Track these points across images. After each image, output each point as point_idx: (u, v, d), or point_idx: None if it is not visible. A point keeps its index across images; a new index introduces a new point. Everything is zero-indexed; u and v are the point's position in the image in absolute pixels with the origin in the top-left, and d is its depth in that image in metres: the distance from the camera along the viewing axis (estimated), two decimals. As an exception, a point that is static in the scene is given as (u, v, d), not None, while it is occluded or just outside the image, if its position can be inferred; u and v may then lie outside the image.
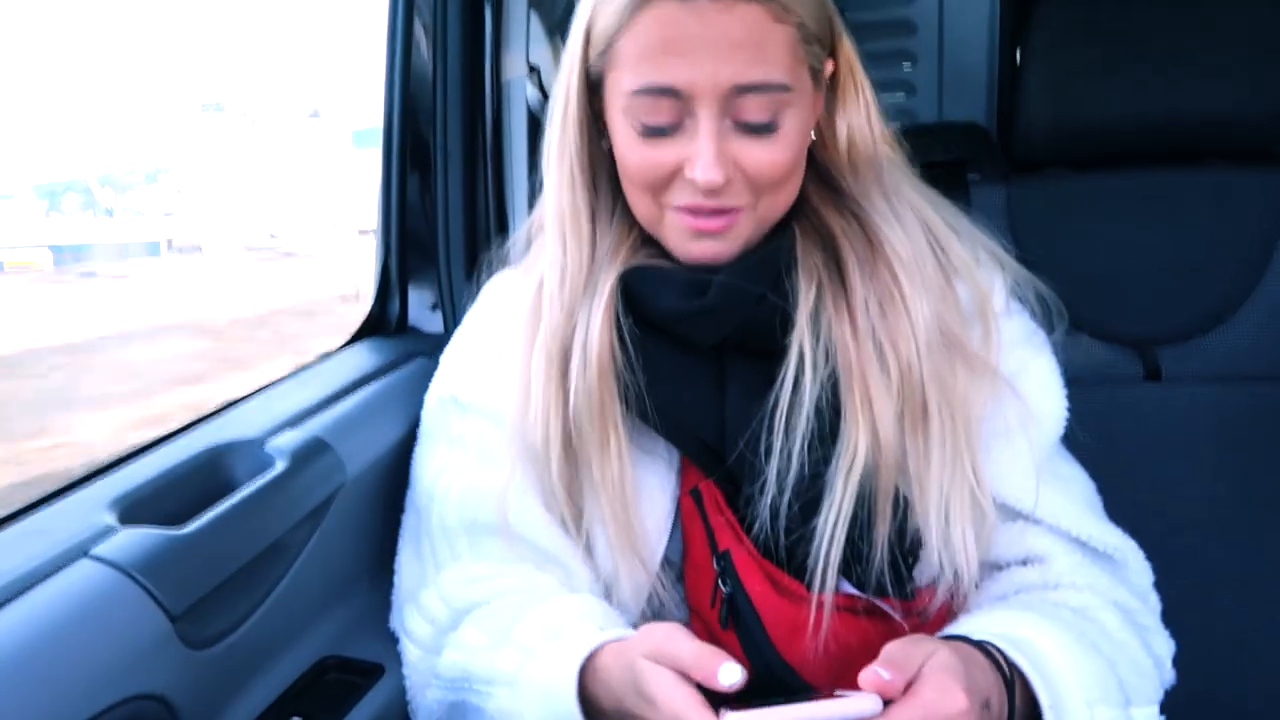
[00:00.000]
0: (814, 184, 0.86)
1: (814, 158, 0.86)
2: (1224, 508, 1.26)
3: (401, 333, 1.35)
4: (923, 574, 0.84)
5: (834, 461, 0.79)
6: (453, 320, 1.34)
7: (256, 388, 1.10)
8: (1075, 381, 1.23)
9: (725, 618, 0.82)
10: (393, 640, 0.96)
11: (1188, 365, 1.26)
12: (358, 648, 0.95)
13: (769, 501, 0.79)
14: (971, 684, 0.67)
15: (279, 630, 0.87)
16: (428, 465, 0.95)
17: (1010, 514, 0.86)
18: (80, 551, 0.72)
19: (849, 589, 0.82)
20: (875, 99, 0.86)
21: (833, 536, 0.78)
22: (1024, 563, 0.87)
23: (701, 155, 0.76)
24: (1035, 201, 1.32)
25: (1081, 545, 0.87)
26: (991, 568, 0.88)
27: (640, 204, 0.83)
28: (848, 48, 0.84)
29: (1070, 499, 0.88)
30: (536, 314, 0.86)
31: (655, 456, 0.86)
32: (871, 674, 0.64)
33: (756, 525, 0.80)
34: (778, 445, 0.79)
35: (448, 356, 0.98)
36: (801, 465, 0.79)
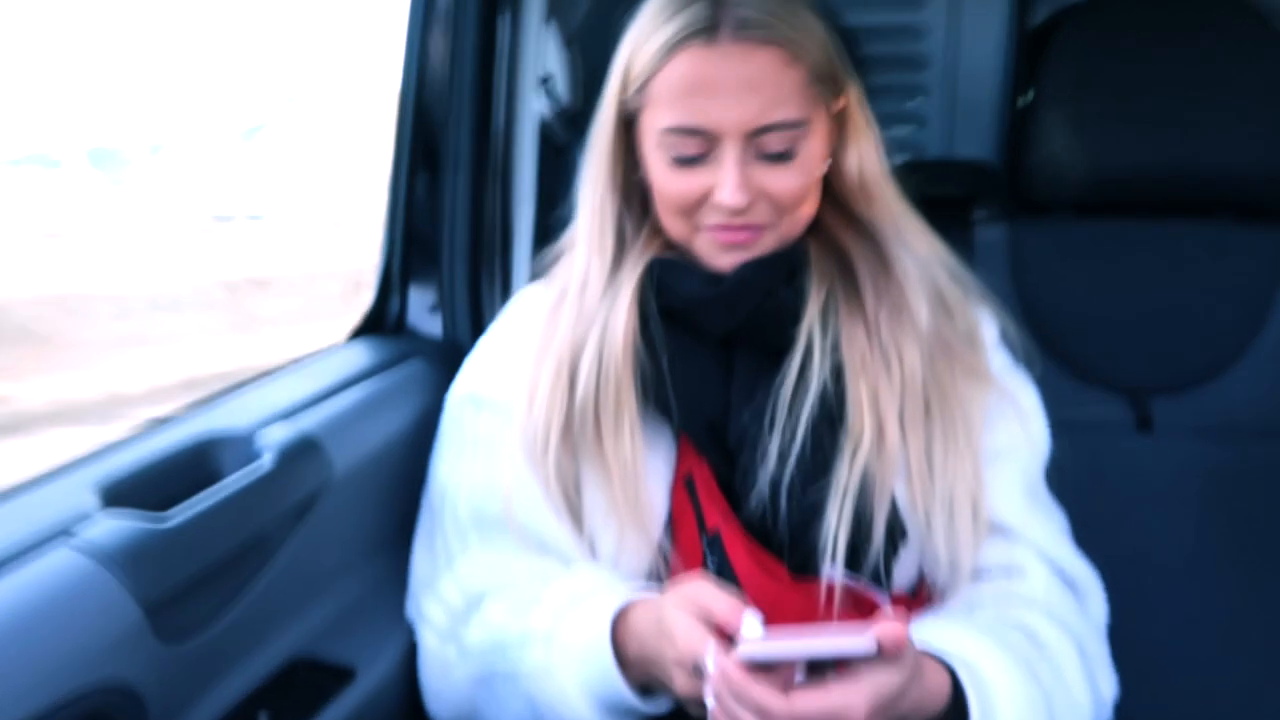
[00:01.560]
0: (828, 208, 0.94)
1: (829, 185, 0.93)
2: (1206, 560, 1.26)
3: (399, 333, 1.35)
4: (902, 570, 0.89)
5: (839, 446, 0.86)
6: (451, 324, 1.34)
7: (250, 378, 1.10)
8: (1065, 425, 1.23)
9: None
10: (365, 642, 0.96)
11: (1179, 416, 1.26)
12: (332, 649, 0.95)
13: (769, 475, 0.85)
14: (888, 706, 0.70)
15: (253, 627, 0.86)
16: (443, 462, 1.01)
17: (998, 529, 0.92)
18: (60, 535, 0.72)
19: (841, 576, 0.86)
20: (879, 134, 0.94)
21: (840, 516, 0.84)
22: (1006, 574, 0.91)
23: (727, 182, 0.85)
24: (1038, 243, 1.33)
25: (1058, 570, 0.92)
26: (974, 573, 0.91)
27: (674, 226, 0.91)
28: (854, 86, 0.92)
29: (1051, 523, 0.94)
30: (553, 322, 0.94)
31: (655, 446, 0.91)
32: (892, 626, 0.68)
33: (754, 499, 0.86)
34: (781, 421, 0.86)
35: (471, 360, 1.05)
36: (804, 441, 0.85)
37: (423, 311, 1.36)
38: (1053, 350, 1.29)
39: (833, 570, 0.85)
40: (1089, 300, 1.30)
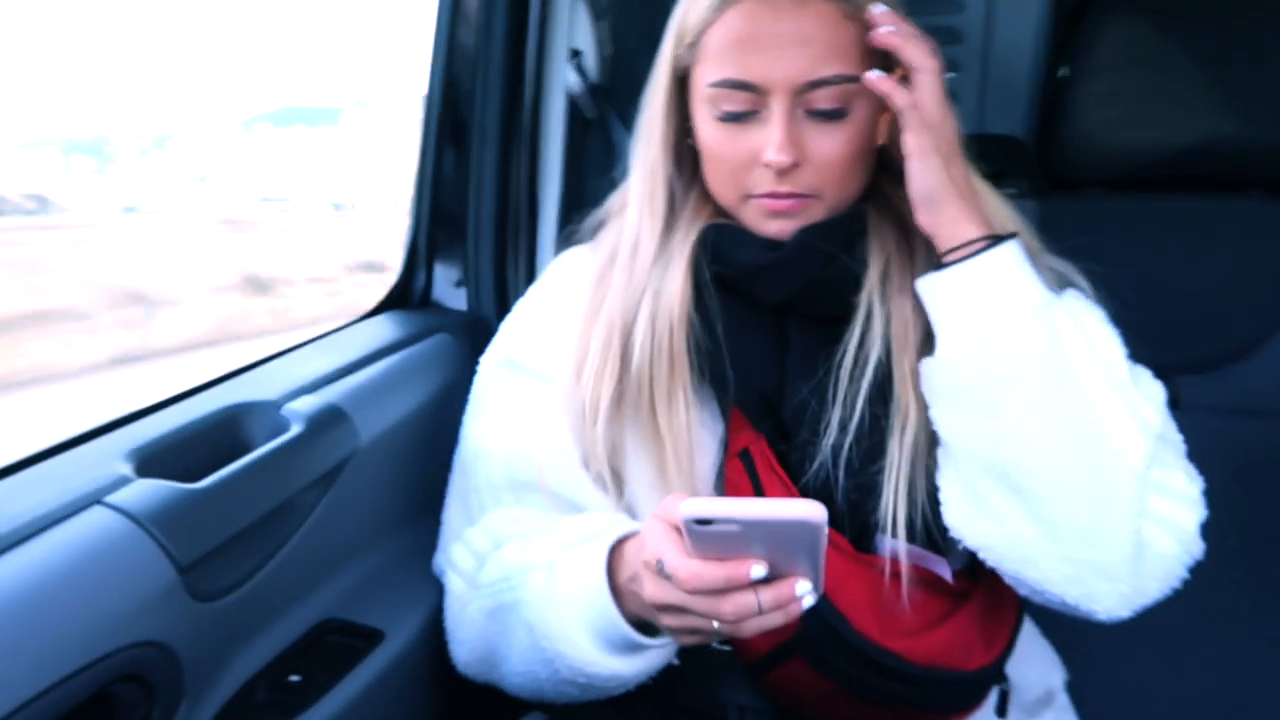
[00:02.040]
0: (888, 179, 0.90)
1: (890, 157, 0.89)
2: (1232, 541, 1.24)
3: (425, 307, 1.36)
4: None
5: (889, 424, 0.84)
6: (476, 299, 1.35)
7: (277, 351, 1.11)
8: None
9: None
10: (393, 606, 0.98)
11: (1207, 396, 1.25)
12: (360, 612, 0.96)
13: (830, 443, 0.84)
14: None
15: (283, 589, 0.88)
16: (475, 425, 1.00)
17: None
18: (94, 499, 0.74)
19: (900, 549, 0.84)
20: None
21: (896, 493, 0.83)
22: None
23: (773, 139, 0.82)
24: (1068, 219, 1.31)
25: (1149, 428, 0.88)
26: None
27: (723, 191, 0.88)
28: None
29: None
30: (603, 283, 0.92)
31: (703, 416, 0.89)
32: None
33: (815, 468, 0.84)
34: (843, 393, 0.84)
35: (507, 324, 1.03)
36: (863, 412, 0.84)
37: (448, 286, 1.37)
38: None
39: (894, 544, 0.84)
40: (1119, 277, 1.28)
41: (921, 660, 0.84)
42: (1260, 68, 1.22)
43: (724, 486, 0.88)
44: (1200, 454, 1.26)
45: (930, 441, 0.84)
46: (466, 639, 0.93)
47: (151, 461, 0.82)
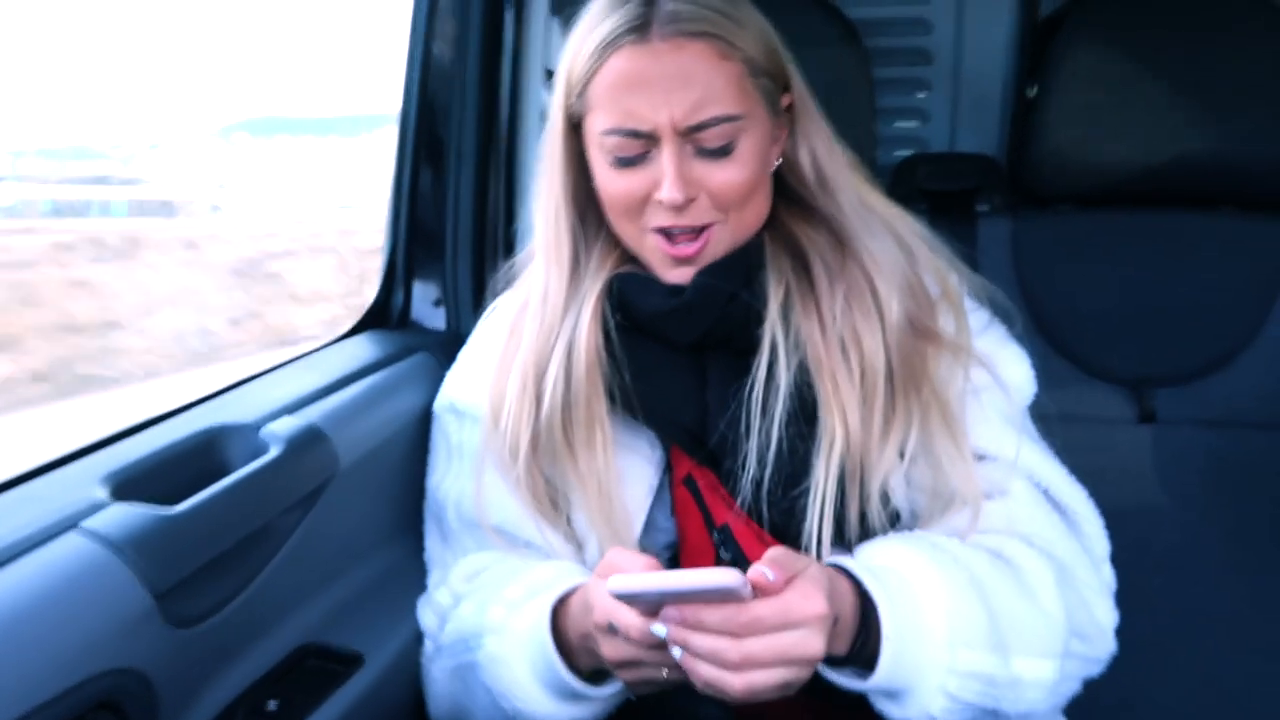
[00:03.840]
0: (784, 205, 0.94)
1: (784, 181, 0.93)
2: (1208, 550, 1.26)
3: (403, 327, 1.36)
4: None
5: (815, 446, 0.86)
6: (455, 318, 1.35)
7: (255, 372, 1.10)
8: (1067, 418, 1.22)
9: None
10: (373, 630, 0.98)
11: (1182, 409, 1.26)
12: (339, 636, 0.95)
13: (750, 476, 0.86)
14: (832, 597, 0.73)
15: (261, 614, 0.87)
16: (434, 472, 1.04)
17: (978, 455, 0.91)
18: (70, 524, 0.73)
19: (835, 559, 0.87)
20: (829, 126, 0.94)
21: (822, 514, 0.85)
22: (986, 496, 0.90)
23: (666, 178, 0.84)
24: (1041, 236, 1.33)
25: (1044, 492, 0.92)
26: (958, 502, 0.90)
27: (624, 230, 0.91)
28: (799, 82, 0.92)
29: (1039, 452, 0.94)
30: (516, 334, 0.95)
31: (636, 450, 0.92)
32: (758, 573, 0.70)
33: (740, 500, 0.88)
34: (756, 424, 0.86)
35: (454, 368, 1.06)
36: (780, 441, 0.86)
37: (427, 305, 1.37)
38: (1055, 343, 1.30)
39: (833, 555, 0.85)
40: (1092, 293, 1.30)
41: None
42: (1228, 84, 1.24)
43: (669, 511, 0.92)
44: (1177, 466, 1.29)
45: (863, 460, 0.86)
46: (437, 694, 0.97)
47: (128, 485, 0.80)
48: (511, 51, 1.39)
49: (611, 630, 0.74)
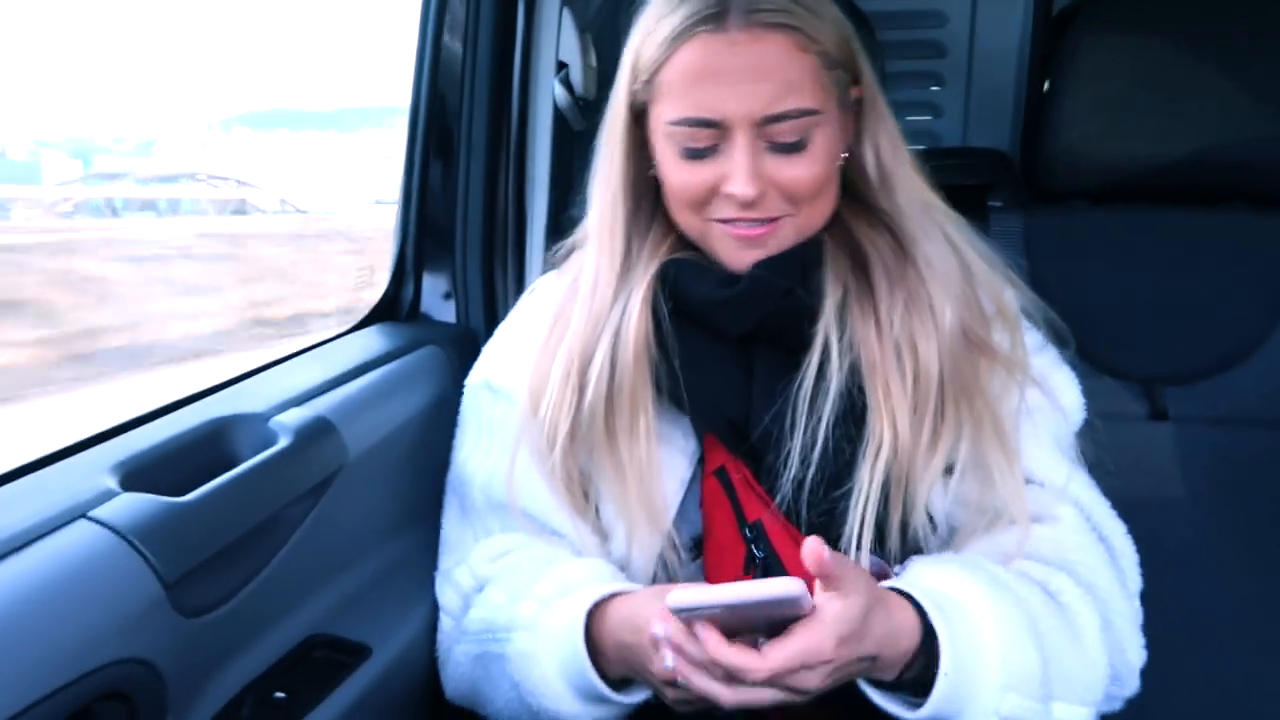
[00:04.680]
0: (846, 202, 0.92)
1: (846, 178, 0.91)
2: (1218, 548, 1.25)
3: (413, 319, 1.36)
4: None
5: (861, 449, 0.85)
6: (464, 311, 1.34)
7: (264, 363, 1.10)
8: (1079, 415, 1.20)
9: None
10: (381, 621, 0.98)
11: (1193, 407, 1.26)
12: (347, 627, 0.95)
13: (792, 475, 0.85)
14: (855, 638, 0.71)
15: (270, 604, 0.87)
16: (460, 448, 1.03)
17: (1029, 479, 0.90)
18: (79, 513, 0.73)
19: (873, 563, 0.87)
20: (896, 122, 0.92)
21: (863, 521, 0.84)
22: (1037, 520, 0.89)
23: (738, 173, 0.83)
24: (1053, 232, 1.32)
25: (1091, 522, 0.91)
26: (1004, 520, 0.89)
27: (687, 221, 0.90)
28: (869, 75, 0.90)
29: (1086, 482, 0.93)
30: (562, 319, 0.93)
31: (671, 442, 0.91)
32: (816, 544, 0.69)
33: (779, 497, 0.86)
34: (803, 422, 0.85)
35: (488, 346, 1.05)
36: (826, 441, 0.85)
37: (436, 298, 1.37)
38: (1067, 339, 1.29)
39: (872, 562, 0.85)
40: (1104, 290, 1.29)
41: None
42: (1242, 80, 1.23)
43: (698, 503, 0.90)
44: (1188, 463, 1.28)
45: (909, 468, 0.85)
46: (454, 676, 0.96)
47: (138, 475, 0.81)
48: (522, 44, 1.39)
49: (664, 644, 0.73)
